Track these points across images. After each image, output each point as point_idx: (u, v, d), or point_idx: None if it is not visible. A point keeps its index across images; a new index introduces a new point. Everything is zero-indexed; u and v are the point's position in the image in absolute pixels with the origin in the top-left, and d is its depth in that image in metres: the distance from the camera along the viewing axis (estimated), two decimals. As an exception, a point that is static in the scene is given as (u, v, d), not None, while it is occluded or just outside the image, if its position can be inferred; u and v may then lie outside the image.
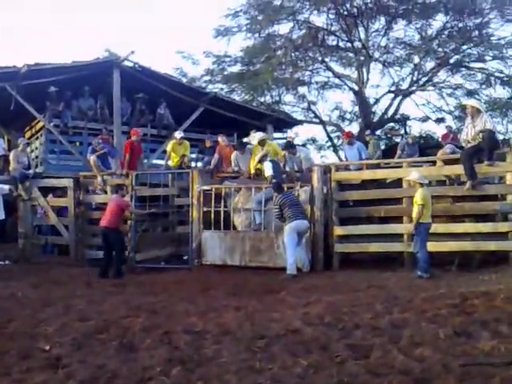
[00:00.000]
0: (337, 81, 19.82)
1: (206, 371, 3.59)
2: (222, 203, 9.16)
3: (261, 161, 9.62)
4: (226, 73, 19.65)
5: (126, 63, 12.96)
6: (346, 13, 17.58)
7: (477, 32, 17.17)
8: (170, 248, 10.00)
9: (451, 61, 18.05)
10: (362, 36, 18.26)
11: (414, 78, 18.77)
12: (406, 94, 18.89)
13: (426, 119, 19.92)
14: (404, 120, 20.21)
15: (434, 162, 9.16)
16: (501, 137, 14.03)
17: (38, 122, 13.49)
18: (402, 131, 19.53)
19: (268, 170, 9.17)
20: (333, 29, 18.05)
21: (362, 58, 18.21)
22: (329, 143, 21.40)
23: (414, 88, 18.81)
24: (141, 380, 3.48)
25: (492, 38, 17.16)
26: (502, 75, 17.47)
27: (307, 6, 17.58)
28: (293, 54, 18.04)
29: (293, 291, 6.58)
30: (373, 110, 19.56)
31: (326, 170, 8.97)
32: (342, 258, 8.70)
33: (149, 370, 3.62)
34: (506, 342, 3.83)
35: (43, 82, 12.12)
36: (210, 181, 9.90)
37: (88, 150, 11.19)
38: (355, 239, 8.67)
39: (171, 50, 43.85)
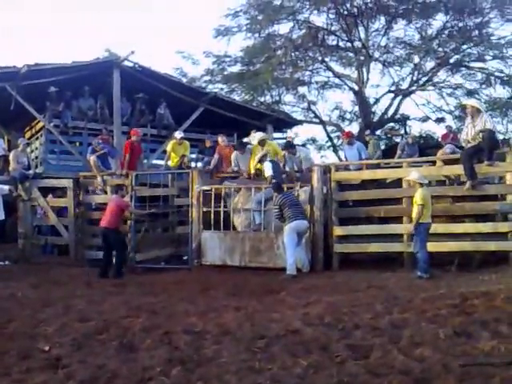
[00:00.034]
0: (337, 81, 19.86)
1: (206, 371, 3.59)
2: (222, 203, 9.16)
3: (260, 161, 9.62)
4: (225, 73, 19.65)
5: (126, 63, 12.97)
6: (346, 12, 17.58)
7: (477, 31, 17.17)
8: (169, 248, 10.00)
9: (451, 60, 18.06)
10: (362, 36, 18.28)
11: (414, 78, 18.78)
12: (406, 93, 18.89)
13: (425, 119, 19.94)
14: (404, 120, 20.21)
15: (433, 162, 9.16)
16: (501, 137, 14.04)
17: (38, 122, 13.50)
18: (402, 131, 19.54)
19: (268, 170, 9.17)
20: (333, 28, 18.07)
21: (362, 58, 18.21)
22: (329, 143, 21.45)
23: (413, 88, 18.81)
24: (141, 380, 3.49)
25: (492, 38, 17.17)
26: (502, 75, 17.48)
27: (307, 6, 17.59)
28: (293, 54, 18.04)
29: (293, 291, 6.58)
30: (373, 109, 19.58)
31: (326, 170, 8.96)
32: (342, 258, 8.70)
33: (149, 370, 3.62)
34: (505, 342, 3.84)
35: (43, 82, 12.11)
36: (210, 181, 9.90)
37: (88, 150, 11.19)
38: (355, 239, 8.67)
39: (171, 49, 43.91)
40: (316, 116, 20.49)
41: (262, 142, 10.03)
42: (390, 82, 19.24)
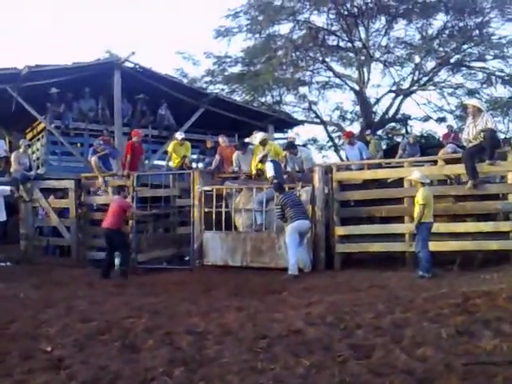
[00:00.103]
0: (337, 81, 19.84)
1: (208, 372, 3.59)
2: (224, 204, 9.16)
3: (261, 161, 9.62)
4: (226, 73, 19.65)
5: (127, 64, 12.98)
6: (346, 13, 17.58)
7: (477, 31, 17.15)
8: (171, 249, 10.00)
9: (452, 60, 18.04)
10: (363, 36, 18.26)
11: (415, 78, 18.77)
12: (407, 93, 18.88)
13: (427, 119, 19.93)
14: (405, 120, 20.20)
15: (435, 162, 9.15)
16: (502, 136, 14.06)
17: (39, 123, 13.51)
18: (403, 131, 19.56)
19: (269, 170, 9.16)
20: (333, 29, 18.07)
21: (363, 58, 18.19)
22: (330, 143, 21.43)
23: (414, 88, 18.80)
24: (143, 381, 3.49)
25: (493, 37, 17.14)
26: (503, 74, 17.47)
27: (307, 6, 17.58)
28: (293, 54, 18.03)
29: (294, 291, 6.58)
30: (374, 109, 19.56)
31: (327, 170, 8.96)
32: (344, 258, 8.70)
33: (151, 370, 3.62)
34: (508, 341, 3.83)
35: (44, 83, 12.12)
36: (211, 181, 9.89)
37: (89, 151, 11.21)
38: (357, 239, 8.67)
39: (172, 50, 43.92)
40: (317, 116, 20.49)
41: (263, 142, 10.02)
42: (390, 81, 19.27)
